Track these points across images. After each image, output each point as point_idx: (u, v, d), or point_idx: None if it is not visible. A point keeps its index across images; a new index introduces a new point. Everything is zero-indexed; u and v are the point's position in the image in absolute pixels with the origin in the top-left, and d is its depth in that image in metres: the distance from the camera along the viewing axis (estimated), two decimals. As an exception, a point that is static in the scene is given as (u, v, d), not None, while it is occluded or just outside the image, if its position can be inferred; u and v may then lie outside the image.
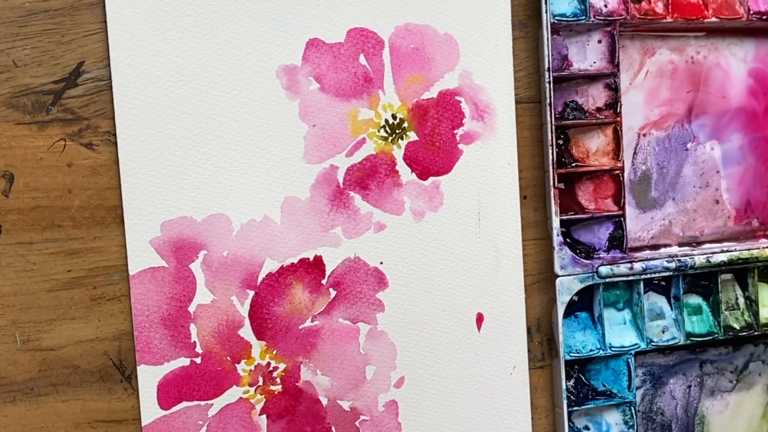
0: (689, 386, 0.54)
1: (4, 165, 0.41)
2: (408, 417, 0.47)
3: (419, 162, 0.47)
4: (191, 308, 0.43)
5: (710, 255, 0.52)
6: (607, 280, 0.50)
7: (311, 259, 0.45)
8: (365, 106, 0.46)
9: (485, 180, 0.48)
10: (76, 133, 0.42)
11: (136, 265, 0.42)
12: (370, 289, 0.46)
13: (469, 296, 0.48)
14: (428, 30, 0.47)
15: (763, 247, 0.54)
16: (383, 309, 0.47)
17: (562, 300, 0.49)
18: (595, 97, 0.50)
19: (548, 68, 0.47)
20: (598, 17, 0.49)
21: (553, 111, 0.48)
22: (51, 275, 0.42)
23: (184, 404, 0.43)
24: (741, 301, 0.55)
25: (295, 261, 0.45)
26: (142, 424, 0.43)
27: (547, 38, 0.47)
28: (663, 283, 0.53)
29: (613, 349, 0.50)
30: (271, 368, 0.45)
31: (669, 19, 0.50)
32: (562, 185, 0.50)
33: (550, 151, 0.48)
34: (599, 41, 0.50)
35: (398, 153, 0.47)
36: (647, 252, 0.53)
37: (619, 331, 0.51)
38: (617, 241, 0.50)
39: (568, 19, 0.48)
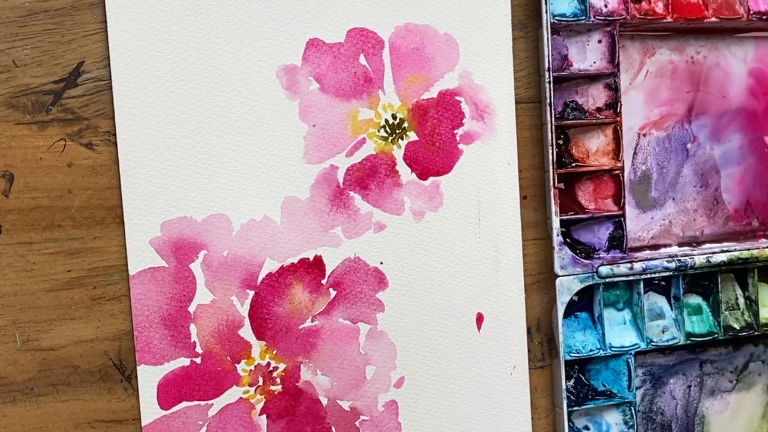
0: (689, 386, 0.54)
1: (4, 165, 0.41)
2: (408, 417, 0.47)
3: (419, 162, 0.47)
4: (191, 308, 0.43)
5: (710, 255, 0.52)
6: (607, 280, 0.50)
7: (311, 259, 0.45)
8: (365, 106, 0.46)
9: (485, 180, 0.48)
10: (76, 133, 0.42)
11: (136, 265, 0.42)
12: (370, 289, 0.46)
13: (469, 296, 0.48)
14: (428, 30, 0.47)
15: (763, 247, 0.54)
16: (383, 309, 0.47)
17: (562, 300, 0.49)
18: (595, 97, 0.50)
19: (548, 68, 0.47)
20: (598, 17, 0.49)
21: (553, 111, 0.48)
22: (51, 275, 0.42)
23: (184, 404, 0.43)
24: (741, 301, 0.55)
25: (295, 261, 0.45)
26: (142, 424, 0.43)
27: (547, 38, 0.47)
28: (663, 283, 0.53)
29: (613, 349, 0.50)
30: (271, 368, 0.45)
31: (669, 19, 0.50)
32: (562, 185, 0.50)
33: (550, 151, 0.48)
34: (599, 41, 0.50)
35: (398, 153, 0.47)
36: (647, 252, 0.53)
37: (619, 331, 0.51)
38: (617, 241, 0.50)
39: (568, 19, 0.48)
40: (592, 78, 0.50)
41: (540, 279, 0.50)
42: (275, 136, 0.44)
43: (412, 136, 0.47)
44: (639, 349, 0.51)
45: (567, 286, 0.49)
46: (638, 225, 0.53)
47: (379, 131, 0.46)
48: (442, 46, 0.47)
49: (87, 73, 0.42)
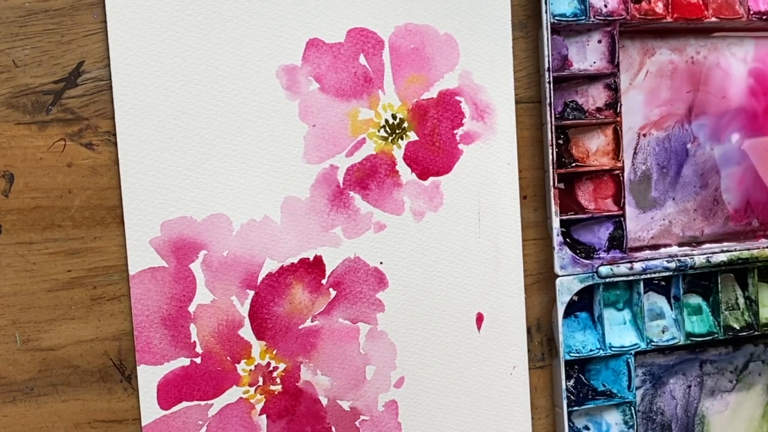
0: (689, 386, 0.54)
1: (4, 165, 0.41)
2: (408, 417, 0.47)
3: (419, 162, 0.47)
4: (191, 308, 0.43)
5: (710, 255, 0.52)
6: (607, 280, 0.50)
7: (311, 259, 0.45)
8: (365, 106, 0.46)
9: (485, 180, 0.48)
10: (76, 133, 0.42)
11: (136, 265, 0.42)
12: (370, 289, 0.46)
13: (469, 296, 0.48)
14: (428, 30, 0.47)
15: (763, 247, 0.54)
16: (383, 309, 0.47)
17: (562, 300, 0.49)
18: (595, 97, 0.50)
19: (548, 68, 0.47)
20: (598, 17, 0.49)
21: (553, 111, 0.48)
22: (51, 275, 0.42)
23: (184, 404, 0.43)
24: (741, 301, 0.55)
25: (295, 261, 0.45)
26: (142, 424, 0.43)
27: (547, 38, 0.47)
28: (663, 283, 0.53)
29: (613, 349, 0.50)
30: (271, 368, 0.45)
31: (669, 19, 0.50)
32: (562, 185, 0.50)
33: (550, 151, 0.48)
34: (599, 41, 0.50)
35: (398, 153, 0.47)
36: (647, 252, 0.53)
37: (619, 331, 0.51)
38: (617, 241, 0.50)
39: (568, 19, 0.48)
40: (592, 78, 0.50)
41: (540, 279, 0.50)
42: (275, 136, 0.44)
43: (412, 136, 0.47)
44: (639, 349, 0.51)
45: (567, 286, 0.49)
46: (638, 225, 0.53)
47: (379, 131, 0.46)
48: (442, 46, 0.47)
49: (87, 73, 0.42)
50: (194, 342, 0.43)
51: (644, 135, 0.53)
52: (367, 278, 0.46)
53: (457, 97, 0.47)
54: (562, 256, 0.48)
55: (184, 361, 0.43)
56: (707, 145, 0.55)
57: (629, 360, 0.51)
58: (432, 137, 0.47)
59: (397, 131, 0.46)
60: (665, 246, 0.54)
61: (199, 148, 0.43)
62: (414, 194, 0.47)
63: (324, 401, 0.46)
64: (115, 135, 0.42)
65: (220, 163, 0.43)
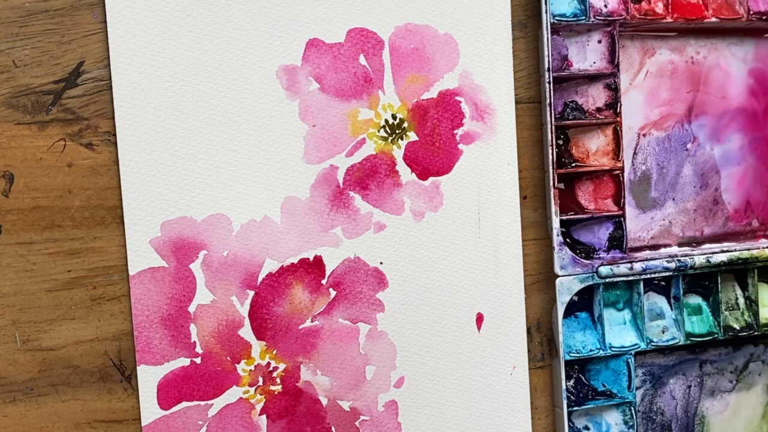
0: (689, 386, 0.54)
1: (4, 165, 0.41)
2: (408, 417, 0.47)
3: (419, 162, 0.47)
4: (191, 308, 0.43)
5: (710, 255, 0.52)
6: (607, 280, 0.50)
7: (311, 259, 0.45)
8: (365, 106, 0.46)
9: (485, 180, 0.48)
10: (76, 133, 0.42)
11: (136, 265, 0.42)
12: (370, 289, 0.46)
13: (469, 296, 0.48)
14: (428, 30, 0.47)
15: (763, 247, 0.54)
16: (383, 309, 0.47)
17: (562, 300, 0.49)
18: (595, 97, 0.51)
19: (548, 68, 0.47)
20: (598, 17, 0.49)
21: (553, 111, 0.48)
22: (51, 275, 0.42)
23: (184, 404, 0.43)
24: (741, 301, 0.55)
25: (295, 261, 0.45)
26: (142, 424, 0.43)
27: (547, 38, 0.47)
28: (663, 283, 0.53)
29: (613, 349, 0.50)
30: (271, 368, 0.45)
31: (669, 19, 0.50)
32: (562, 185, 0.50)
33: (550, 151, 0.48)
34: (599, 41, 0.50)
35: (398, 153, 0.47)
36: (647, 252, 0.53)
37: (619, 331, 0.51)
38: (617, 241, 0.50)
39: (568, 19, 0.48)
40: (592, 78, 0.50)
41: (540, 279, 0.50)
42: (275, 136, 0.44)
43: (412, 136, 0.47)
44: (639, 349, 0.51)
45: (567, 286, 0.49)
46: (638, 225, 0.53)
47: (379, 131, 0.46)
48: (442, 46, 0.47)
49: (87, 73, 0.42)
50: (194, 342, 0.43)
51: (644, 135, 0.53)
52: (367, 278, 0.46)
53: (457, 97, 0.47)
54: (562, 256, 0.48)
55: (184, 361, 0.43)
56: (707, 145, 0.55)
57: (629, 360, 0.51)
58: (432, 137, 0.47)
59: (397, 131, 0.46)
60: (665, 246, 0.54)
61: (199, 148, 0.43)
62: (414, 194, 0.47)
63: (324, 401, 0.46)
64: (115, 135, 0.42)
65: (220, 163, 0.43)
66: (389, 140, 0.46)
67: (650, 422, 0.54)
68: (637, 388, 0.53)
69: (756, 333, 0.54)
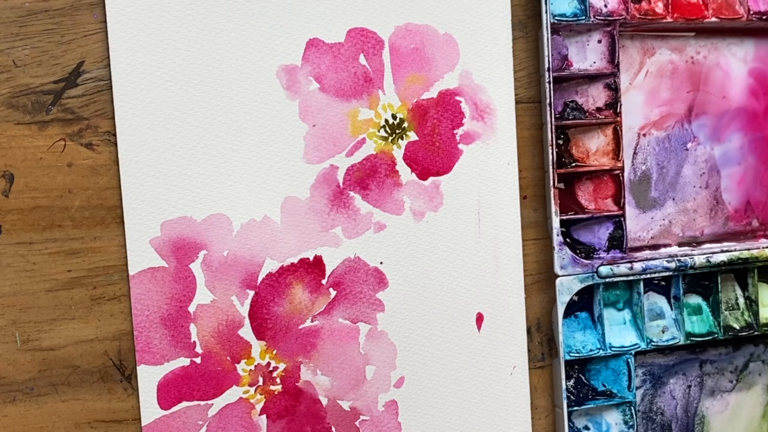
0: (689, 386, 0.54)
1: (4, 165, 0.41)
2: (408, 417, 0.47)
3: (419, 162, 0.47)
4: (191, 308, 0.43)
5: (710, 255, 0.52)
6: (607, 280, 0.50)
7: (311, 259, 0.45)
8: (365, 106, 0.46)
9: (485, 180, 0.48)
10: (76, 133, 0.42)
11: (136, 265, 0.42)
12: (370, 289, 0.46)
13: (469, 296, 0.48)
14: (428, 30, 0.47)
15: (763, 247, 0.54)
16: (383, 309, 0.47)
17: (562, 300, 0.49)
18: (595, 97, 0.51)
19: (548, 68, 0.47)
20: (598, 17, 0.49)
21: (553, 111, 0.48)
22: (51, 275, 0.42)
23: (184, 404, 0.43)
24: (741, 301, 0.55)
25: (295, 261, 0.45)
26: (142, 424, 0.43)
27: (547, 38, 0.47)
28: (663, 283, 0.53)
29: (613, 349, 0.50)
30: (271, 368, 0.45)
31: (669, 19, 0.50)
32: (562, 185, 0.50)
33: (550, 151, 0.48)
34: (599, 41, 0.50)
35: (398, 153, 0.47)
36: (647, 252, 0.53)
37: (619, 331, 0.51)
38: (617, 241, 0.50)
39: (568, 19, 0.48)
40: (592, 78, 0.50)
41: (540, 279, 0.50)
42: (275, 136, 0.44)
43: (412, 136, 0.47)
44: (639, 349, 0.51)
45: (567, 286, 0.49)
46: (638, 225, 0.53)
47: (379, 131, 0.46)
48: (442, 46, 0.47)
49: (87, 73, 0.42)
50: (194, 342, 0.43)
51: (644, 135, 0.53)
52: (367, 278, 0.46)
53: (457, 97, 0.47)
54: (562, 256, 0.48)
55: (184, 361, 0.43)
56: (707, 145, 0.55)
57: (629, 360, 0.51)
58: (432, 137, 0.47)
59: (397, 131, 0.46)
60: (665, 246, 0.54)
61: (199, 148, 0.43)
62: (414, 194, 0.47)
63: (324, 401, 0.46)
64: (115, 135, 0.42)
65: (220, 163, 0.43)
66: (389, 140, 0.46)
67: (650, 422, 0.54)
68: (637, 388, 0.53)
69: (756, 333, 0.54)
